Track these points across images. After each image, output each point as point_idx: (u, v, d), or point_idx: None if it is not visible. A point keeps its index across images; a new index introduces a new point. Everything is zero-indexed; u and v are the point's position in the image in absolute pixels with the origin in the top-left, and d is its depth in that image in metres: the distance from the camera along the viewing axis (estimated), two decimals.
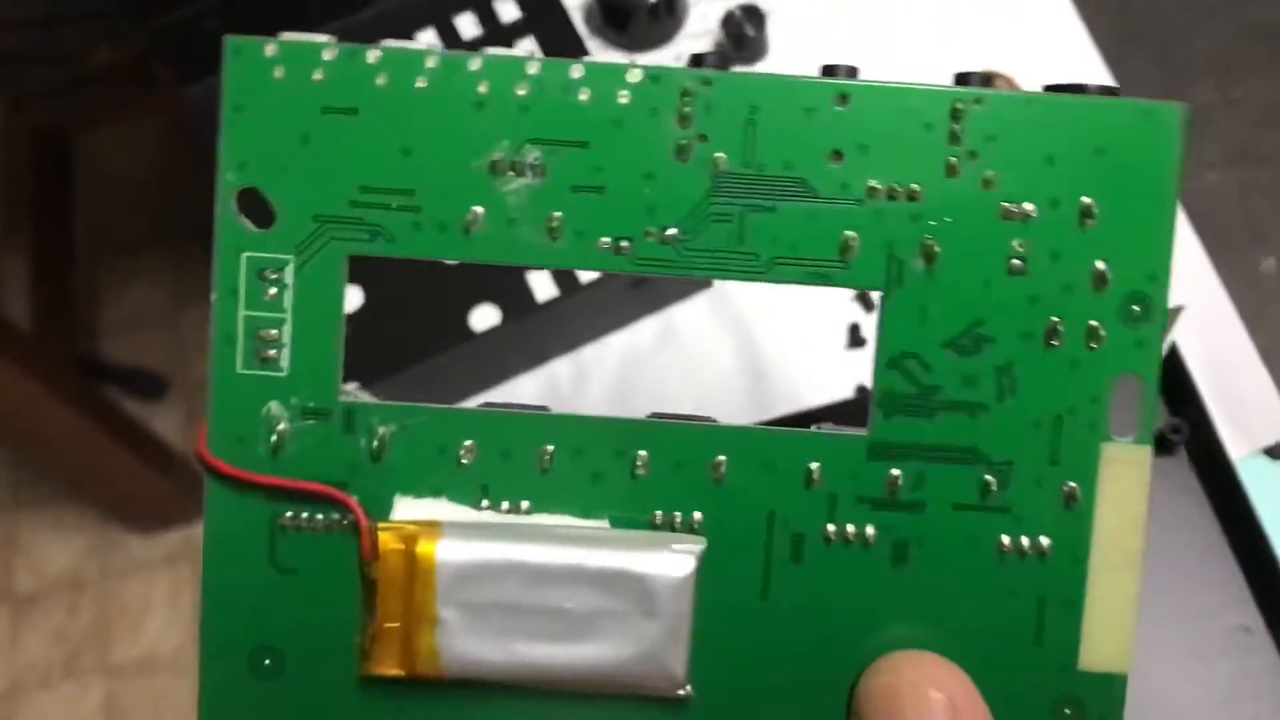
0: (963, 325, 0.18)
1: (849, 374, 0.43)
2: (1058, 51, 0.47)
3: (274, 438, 0.18)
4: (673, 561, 0.17)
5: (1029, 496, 0.18)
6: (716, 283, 0.46)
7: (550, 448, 0.18)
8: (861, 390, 0.42)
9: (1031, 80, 0.45)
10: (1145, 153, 0.18)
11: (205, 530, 0.18)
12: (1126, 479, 0.18)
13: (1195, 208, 0.45)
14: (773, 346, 0.45)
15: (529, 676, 0.17)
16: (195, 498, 0.94)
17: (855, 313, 0.45)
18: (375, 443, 0.18)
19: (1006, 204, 0.18)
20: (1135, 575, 0.18)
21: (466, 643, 0.17)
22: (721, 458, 0.18)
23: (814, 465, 0.18)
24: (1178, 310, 0.40)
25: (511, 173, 0.18)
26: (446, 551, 0.17)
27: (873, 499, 0.18)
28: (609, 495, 0.18)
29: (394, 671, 0.18)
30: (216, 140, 0.18)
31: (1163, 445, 0.42)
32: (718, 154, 0.17)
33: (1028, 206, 0.18)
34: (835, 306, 0.45)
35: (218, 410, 0.18)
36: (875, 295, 0.18)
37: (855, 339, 0.45)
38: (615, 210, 0.18)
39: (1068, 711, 0.18)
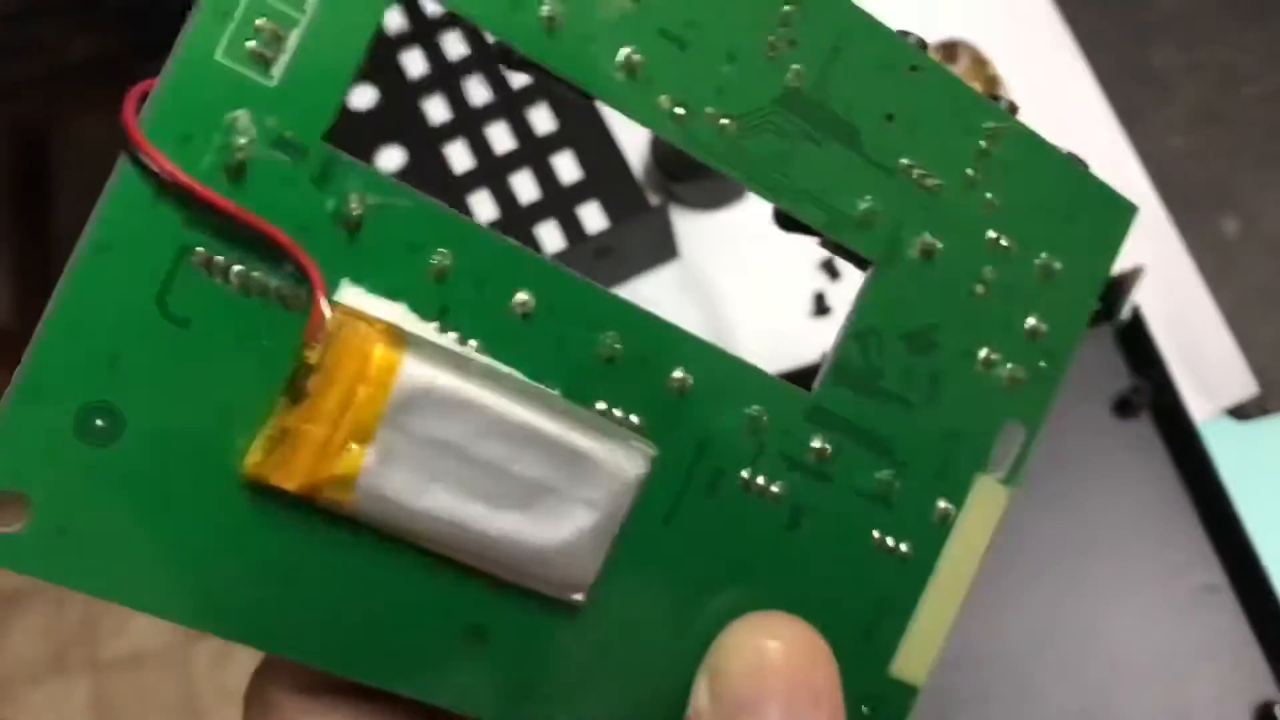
0: (921, 324, 0.18)
1: (814, 342, 0.43)
2: (1018, 12, 0.47)
3: (228, 154, 0.14)
4: (632, 459, 0.16)
5: (912, 501, 0.18)
6: (683, 254, 0.46)
7: (526, 295, 0.16)
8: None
9: (993, 44, 0.45)
10: (1099, 235, 0.19)
11: (90, 230, 0.14)
12: (983, 511, 0.19)
13: (1158, 170, 0.45)
14: (737, 316, 0.45)
15: (435, 533, 0.15)
16: None
17: (821, 281, 0.45)
18: (345, 208, 0.15)
19: (993, 232, 0.18)
20: (959, 603, 0.19)
21: (394, 475, 0.15)
22: (681, 373, 0.17)
23: (757, 408, 0.17)
24: (1137, 271, 0.40)
25: None
26: (413, 366, 0.14)
27: (792, 458, 0.18)
28: (564, 365, 0.16)
29: (289, 484, 0.14)
30: None
31: (1126, 407, 0.43)
32: (795, 65, 0.17)
33: (1005, 242, 0.18)
34: (801, 275, 0.46)
35: (171, 90, 0.14)
36: (842, 264, 0.18)
37: (820, 307, 0.45)
38: (688, 72, 0.16)
39: (864, 709, 0.18)
